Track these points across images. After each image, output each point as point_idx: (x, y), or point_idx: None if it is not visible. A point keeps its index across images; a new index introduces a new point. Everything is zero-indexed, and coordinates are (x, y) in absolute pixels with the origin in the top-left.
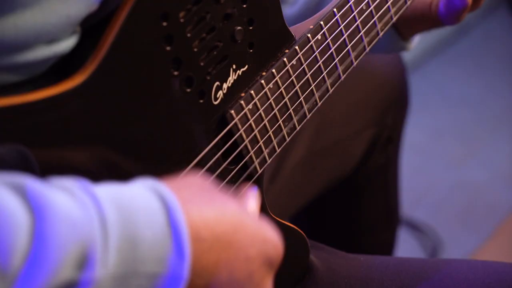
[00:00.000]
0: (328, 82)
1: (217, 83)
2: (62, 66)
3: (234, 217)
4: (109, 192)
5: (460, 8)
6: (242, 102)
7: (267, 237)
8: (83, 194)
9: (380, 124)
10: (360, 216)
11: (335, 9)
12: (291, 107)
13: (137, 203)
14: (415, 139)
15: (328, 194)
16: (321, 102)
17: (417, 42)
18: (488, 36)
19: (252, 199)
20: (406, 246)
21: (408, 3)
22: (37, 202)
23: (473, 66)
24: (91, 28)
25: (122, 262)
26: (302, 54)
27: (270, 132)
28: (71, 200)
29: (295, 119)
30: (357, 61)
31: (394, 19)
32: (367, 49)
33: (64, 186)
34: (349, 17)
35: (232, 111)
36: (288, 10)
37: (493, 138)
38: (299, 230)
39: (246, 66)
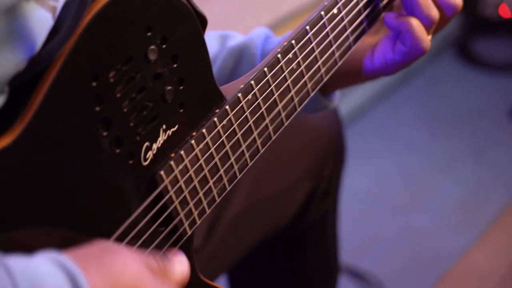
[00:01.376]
0: (259, 141)
1: (147, 143)
2: None
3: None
4: (19, 265)
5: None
6: (172, 163)
7: None
8: None
9: (317, 177)
10: (299, 268)
11: (265, 69)
12: (222, 168)
13: (43, 275)
14: (361, 185)
15: (266, 247)
16: (252, 161)
17: (338, 98)
18: (435, 80)
19: (178, 264)
20: None
21: (339, 63)
22: None
23: (420, 110)
24: (20, 87)
25: None
26: (232, 114)
27: (201, 194)
28: None
29: (225, 180)
30: (288, 121)
31: (325, 78)
32: (298, 109)
33: None
34: (279, 76)
35: (162, 172)
36: None
37: (440, 184)
38: None
39: (177, 126)
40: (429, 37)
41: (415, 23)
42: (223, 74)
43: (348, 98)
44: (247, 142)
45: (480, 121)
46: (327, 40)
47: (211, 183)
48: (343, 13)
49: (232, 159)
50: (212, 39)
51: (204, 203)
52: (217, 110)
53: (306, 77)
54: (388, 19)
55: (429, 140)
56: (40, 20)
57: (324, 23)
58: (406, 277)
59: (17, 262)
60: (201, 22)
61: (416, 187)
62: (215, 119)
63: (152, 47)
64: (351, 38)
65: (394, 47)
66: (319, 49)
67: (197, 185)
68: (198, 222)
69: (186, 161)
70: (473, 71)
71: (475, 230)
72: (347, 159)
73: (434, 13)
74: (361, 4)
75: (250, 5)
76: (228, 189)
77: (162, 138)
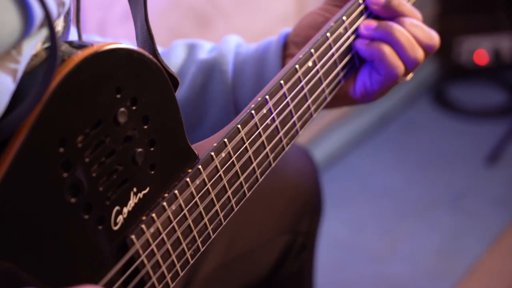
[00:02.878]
0: (233, 200)
1: (117, 207)
2: None
3: None
4: None
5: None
6: (143, 226)
7: None
8: None
9: (294, 231)
10: None
11: (239, 126)
12: (195, 229)
13: None
14: (336, 233)
15: None
16: (227, 220)
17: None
18: (411, 126)
19: None
20: None
21: (314, 115)
22: None
23: (395, 156)
24: None
25: None
26: (205, 174)
27: (173, 256)
28: None
29: (199, 241)
30: (262, 177)
31: (300, 132)
32: (273, 164)
33: None
34: (254, 133)
35: (133, 236)
36: None
37: (416, 231)
38: None
39: (148, 189)
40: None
41: (387, 50)
42: (193, 89)
43: (324, 144)
44: (221, 201)
45: (456, 168)
46: (301, 94)
47: (184, 245)
48: (318, 66)
49: (206, 219)
50: (178, 48)
51: (177, 265)
52: (189, 170)
53: (281, 132)
54: (360, 47)
55: (405, 186)
56: (0, 86)
57: (299, 77)
58: None
59: None
60: (173, 82)
61: (392, 235)
62: (188, 179)
63: (122, 109)
64: (327, 91)
65: (371, 76)
66: (294, 102)
67: (170, 248)
68: (172, 285)
69: (158, 223)
70: (449, 118)
71: (452, 279)
72: (324, 211)
73: (420, 54)
74: (336, 56)
75: None
76: (202, 250)
77: (133, 201)
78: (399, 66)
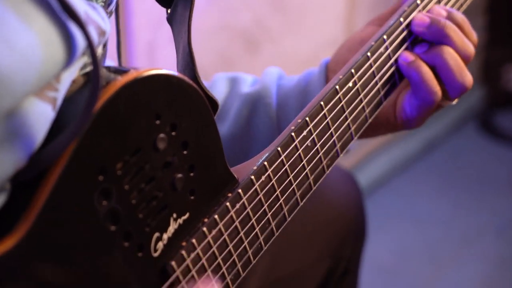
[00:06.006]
0: (274, 224)
1: (157, 234)
2: None
3: None
4: None
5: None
6: (183, 252)
7: None
8: None
9: (337, 257)
10: None
11: (279, 148)
12: (235, 253)
13: None
14: (380, 259)
15: None
16: (267, 245)
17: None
18: (456, 152)
19: None
20: None
21: (355, 137)
22: None
23: (441, 183)
24: (22, 183)
25: None
26: (246, 198)
27: (213, 282)
28: None
29: (239, 266)
30: (303, 201)
31: (341, 154)
32: (314, 188)
33: None
34: (294, 155)
35: (173, 263)
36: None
37: (462, 259)
38: None
39: (187, 214)
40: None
41: (426, 73)
42: (238, 124)
43: (369, 169)
44: (261, 225)
45: (503, 196)
46: (342, 116)
47: (224, 269)
48: (358, 85)
49: (246, 243)
50: (221, 82)
51: None
52: (229, 194)
53: (321, 153)
54: (402, 64)
55: (451, 213)
56: (40, 116)
57: (339, 97)
58: None
59: None
60: (212, 106)
61: (437, 262)
62: (228, 203)
63: (161, 135)
64: (367, 111)
65: (410, 100)
66: (335, 125)
67: (210, 274)
68: None
69: (198, 249)
70: (495, 145)
71: None
72: (367, 237)
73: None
74: (377, 77)
75: None
76: (243, 275)
77: (172, 227)
78: (437, 92)
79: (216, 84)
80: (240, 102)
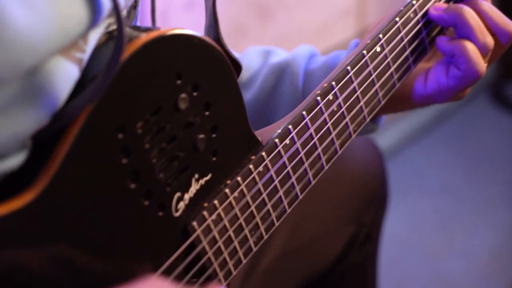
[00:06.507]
0: (298, 187)
1: (178, 194)
2: (10, 182)
3: None
4: None
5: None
6: (204, 213)
7: None
8: None
9: (359, 222)
10: None
11: (304, 112)
12: (258, 216)
13: None
14: (392, 228)
15: None
16: (291, 208)
17: (384, 122)
18: (468, 123)
19: None
20: None
21: (383, 102)
22: None
23: (453, 153)
24: (43, 140)
25: None
26: (269, 160)
27: (236, 243)
28: None
29: (262, 228)
30: (328, 165)
31: (368, 119)
32: (339, 152)
33: None
34: (319, 119)
35: (194, 223)
36: (243, 94)
37: (473, 229)
38: None
39: (210, 175)
40: (485, 63)
41: (469, 46)
42: (263, 91)
43: (381, 139)
44: (285, 188)
45: None
46: (369, 80)
47: (246, 231)
48: (386, 50)
49: (269, 206)
50: (255, 55)
51: (240, 253)
52: (252, 157)
53: (347, 118)
54: (441, 43)
55: (462, 183)
56: (66, 75)
57: (366, 61)
58: None
59: None
60: (236, 69)
61: (449, 232)
62: (251, 166)
63: (183, 95)
64: (396, 76)
65: (448, 71)
66: (361, 89)
67: (232, 235)
68: (234, 272)
69: (220, 210)
70: (507, 115)
71: (508, 278)
72: (389, 203)
73: (489, 40)
74: (405, 40)
75: None
76: (266, 237)
77: (194, 188)
78: (481, 64)
79: (248, 56)
80: (268, 70)
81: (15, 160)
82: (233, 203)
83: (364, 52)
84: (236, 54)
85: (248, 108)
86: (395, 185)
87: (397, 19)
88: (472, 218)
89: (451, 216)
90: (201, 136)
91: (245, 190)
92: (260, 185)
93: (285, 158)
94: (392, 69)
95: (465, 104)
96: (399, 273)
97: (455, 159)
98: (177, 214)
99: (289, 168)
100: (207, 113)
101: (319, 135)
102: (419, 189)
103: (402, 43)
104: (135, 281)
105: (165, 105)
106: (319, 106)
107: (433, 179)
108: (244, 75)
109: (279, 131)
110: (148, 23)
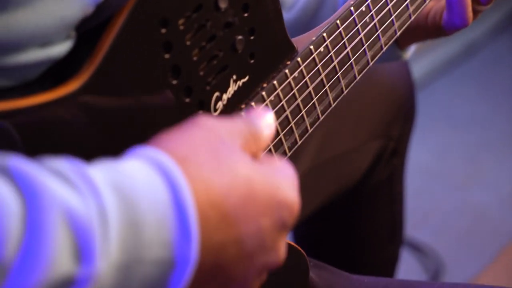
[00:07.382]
0: (331, 95)
1: (217, 93)
2: (57, 72)
3: (244, 187)
4: (106, 174)
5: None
6: (242, 114)
7: (281, 200)
8: (79, 180)
9: (386, 136)
10: (364, 230)
11: (338, 21)
12: (293, 121)
13: (137, 184)
14: (419, 159)
15: (331, 207)
16: (324, 116)
17: (413, 51)
18: (496, 56)
19: (265, 116)
20: (407, 267)
21: (412, 17)
22: (28, 189)
23: (481, 86)
24: (86, 33)
25: (125, 250)
26: (304, 67)
27: (271, 146)
28: (65, 187)
29: (296, 134)
30: (360, 75)
31: (398, 33)
32: (371, 63)
33: (56, 170)
34: (352, 30)
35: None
36: (284, 15)
37: (499, 160)
38: (299, 248)
39: (247, 77)
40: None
41: None
42: (305, 15)
43: None
44: (318, 96)
45: None
46: None
47: (281, 135)
48: None
49: (303, 112)
50: None
51: (275, 156)
52: (288, 62)
53: (379, 31)
54: None
55: (490, 116)
56: None
57: None
58: (463, 252)
59: (107, 166)
60: None
61: (476, 163)
62: (286, 71)
63: None
64: None
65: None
66: (393, 2)
67: None
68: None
69: None
70: None
71: None
72: (416, 118)
73: None
74: None
75: None
76: (299, 143)
77: (232, 88)
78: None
79: None
80: None
81: (61, 48)
82: (269, 106)
83: None
84: None
85: (288, 28)
86: (423, 117)
87: None
88: (499, 148)
89: (478, 147)
90: (240, 37)
91: (281, 94)
92: (295, 90)
93: (319, 66)
94: None
95: (494, 37)
96: (426, 203)
97: (483, 92)
98: (215, 114)
99: (323, 75)
100: (245, 14)
101: (352, 45)
102: (447, 120)
103: None
104: (185, 123)
105: (205, 3)
106: (352, 17)
107: (461, 111)
108: None
109: (314, 38)
110: None
